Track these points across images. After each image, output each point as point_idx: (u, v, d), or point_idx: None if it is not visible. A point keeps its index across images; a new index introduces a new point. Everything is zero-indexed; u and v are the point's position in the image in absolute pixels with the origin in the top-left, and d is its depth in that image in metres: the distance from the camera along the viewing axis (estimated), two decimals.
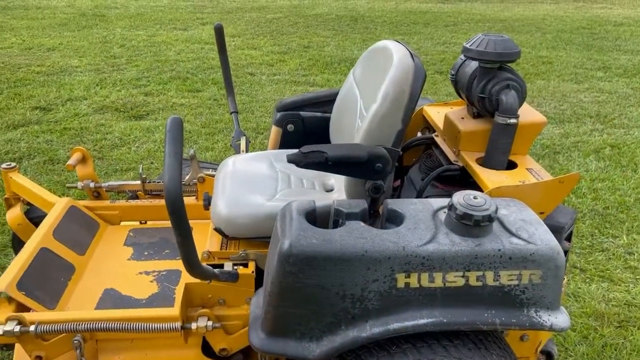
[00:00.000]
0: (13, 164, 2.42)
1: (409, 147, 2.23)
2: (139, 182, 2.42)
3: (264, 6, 11.21)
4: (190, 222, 2.15)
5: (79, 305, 1.88)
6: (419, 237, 1.43)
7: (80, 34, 8.28)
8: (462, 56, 1.96)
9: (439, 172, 1.92)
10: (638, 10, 11.94)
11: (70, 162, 2.32)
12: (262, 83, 6.08)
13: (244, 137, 2.50)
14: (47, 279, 1.90)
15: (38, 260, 1.92)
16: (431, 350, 1.46)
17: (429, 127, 2.30)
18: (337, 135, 2.16)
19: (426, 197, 1.94)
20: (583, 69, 6.97)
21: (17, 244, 2.39)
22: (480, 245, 1.42)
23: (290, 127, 2.32)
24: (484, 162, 1.83)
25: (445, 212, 1.50)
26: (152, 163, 4.11)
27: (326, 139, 2.24)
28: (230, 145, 3.00)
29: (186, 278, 1.73)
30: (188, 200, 2.38)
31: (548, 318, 1.47)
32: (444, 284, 1.42)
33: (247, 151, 2.47)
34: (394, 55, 1.75)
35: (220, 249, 1.85)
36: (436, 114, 2.20)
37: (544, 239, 1.45)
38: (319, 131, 2.28)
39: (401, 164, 2.32)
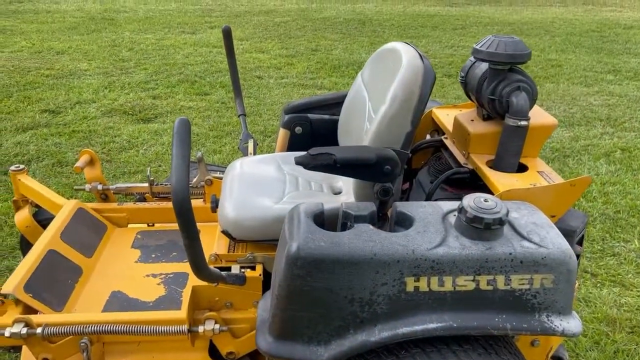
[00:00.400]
0: (22, 166, 2.42)
1: (417, 149, 2.21)
2: (146, 184, 2.42)
3: (272, 10, 11.23)
4: (198, 224, 2.14)
5: (86, 307, 1.87)
6: (429, 241, 1.41)
7: (89, 38, 8.33)
8: (471, 58, 1.95)
9: (448, 175, 1.90)
10: None
11: (78, 164, 2.32)
12: (269, 86, 6.08)
13: (252, 140, 2.49)
14: (55, 281, 1.90)
15: (45, 262, 1.91)
16: (440, 355, 1.44)
17: (438, 129, 2.28)
18: (345, 137, 2.14)
19: (435, 200, 1.92)
20: (593, 72, 6.92)
21: (25, 246, 2.40)
22: (491, 249, 1.40)
23: (298, 129, 2.31)
24: (494, 165, 1.81)
25: (455, 215, 1.48)
26: (159, 166, 4.11)
27: (334, 142, 2.22)
28: (238, 148, 3.00)
29: (193, 281, 1.72)
30: (195, 203, 2.37)
31: (560, 323, 1.45)
32: (454, 288, 1.40)
33: (254, 154, 2.46)
34: (403, 57, 1.74)
35: (228, 252, 1.84)
36: (445, 117, 2.18)
37: (556, 243, 1.43)
38: (327, 134, 2.27)
39: (410, 167, 2.30)
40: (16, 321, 1.64)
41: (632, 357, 2.36)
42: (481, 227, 1.40)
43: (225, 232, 1.81)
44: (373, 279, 1.39)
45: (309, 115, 2.31)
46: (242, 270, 1.73)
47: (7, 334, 1.61)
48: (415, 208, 1.55)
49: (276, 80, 6.32)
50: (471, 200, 1.44)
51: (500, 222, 1.40)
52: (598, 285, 2.83)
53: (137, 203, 2.44)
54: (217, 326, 1.68)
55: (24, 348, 1.75)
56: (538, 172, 1.78)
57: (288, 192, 1.95)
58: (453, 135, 2.05)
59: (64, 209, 2.21)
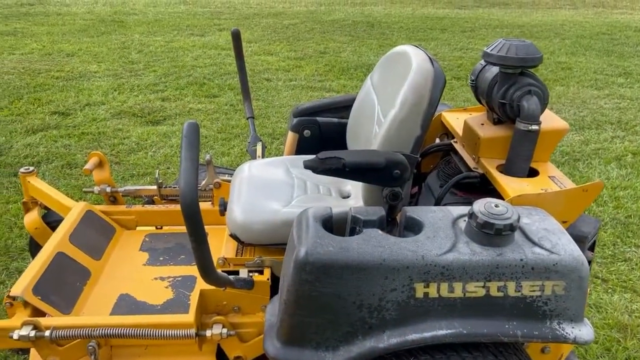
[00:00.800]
0: (31, 168, 2.43)
1: (427, 153, 2.20)
2: (155, 187, 2.42)
3: (281, 12, 11.25)
4: (206, 227, 2.13)
5: (94, 310, 1.88)
6: (439, 246, 1.40)
7: (99, 40, 8.37)
8: (482, 61, 1.93)
9: (458, 179, 1.88)
10: None
11: (87, 166, 2.33)
12: (278, 89, 6.08)
13: (260, 143, 2.49)
14: (63, 284, 1.90)
15: (54, 264, 1.92)
16: None
17: (447, 133, 2.27)
18: (354, 141, 2.13)
19: (445, 204, 1.90)
20: (603, 75, 6.86)
21: (34, 247, 2.40)
22: (502, 255, 1.38)
23: (306, 132, 2.30)
24: (505, 170, 1.79)
25: (465, 220, 1.47)
26: (168, 168, 4.12)
27: (343, 145, 2.21)
28: (246, 150, 2.99)
29: (201, 284, 1.71)
30: (204, 206, 2.36)
31: (572, 330, 1.43)
32: (464, 294, 1.39)
33: (263, 157, 2.45)
34: (413, 61, 1.73)
35: (236, 256, 1.83)
36: (455, 120, 2.17)
37: (568, 249, 1.41)
38: (336, 137, 2.26)
39: (419, 171, 2.28)
40: (25, 324, 1.64)
41: None
42: (492, 233, 1.38)
43: (233, 236, 1.81)
44: (382, 285, 1.37)
45: (318, 118, 2.30)
46: (250, 274, 1.72)
47: (15, 336, 1.61)
48: (424, 213, 1.54)
49: (284, 82, 6.32)
50: (482, 205, 1.43)
51: (511, 227, 1.38)
52: (609, 291, 2.79)
53: (145, 205, 2.44)
54: (224, 330, 1.67)
55: (32, 350, 1.75)
56: (549, 177, 1.76)
57: (296, 195, 1.95)
58: (463, 139, 2.03)
59: (73, 212, 2.22)
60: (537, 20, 10.89)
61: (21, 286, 1.76)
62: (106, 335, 1.63)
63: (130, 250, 2.23)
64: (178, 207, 2.42)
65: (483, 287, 1.38)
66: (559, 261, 1.39)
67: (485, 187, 1.86)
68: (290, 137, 2.34)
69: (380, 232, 1.45)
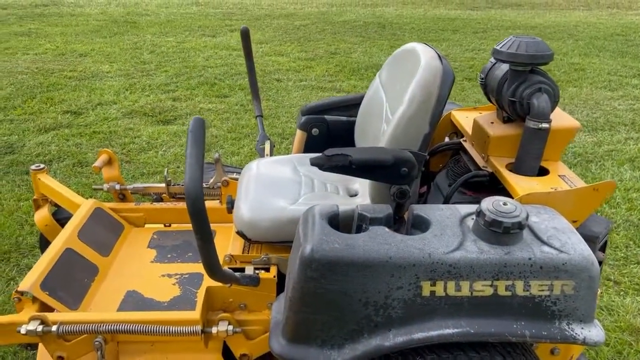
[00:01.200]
0: (42, 166, 2.45)
1: (436, 152, 2.18)
2: (163, 185, 2.42)
3: (292, 13, 11.26)
4: (214, 225, 2.13)
5: (102, 306, 1.88)
6: (446, 244, 1.38)
7: (111, 40, 8.43)
8: (492, 59, 1.91)
9: (467, 178, 1.86)
10: None
11: (97, 163, 2.34)
12: (288, 89, 6.09)
13: (269, 141, 2.48)
14: (71, 280, 1.91)
15: (62, 260, 1.93)
16: None
17: (457, 132, 2.25)
18: (362, 139, 2.12)
19: (454, 203, 1.88)
20: (617, 76, 6.79)
21: (45, 244, 2.42)
22: (510, 254, 1.37)
23: (315, 131, 2.30)
24: (515, 168, 1.77)
25: (473, 218, 1.45)
26: (178, 167, 4.13)
27: (351, 143, 2.20)
28: (255, 149, 2.99)
29: (208, 281, 1.71)
30: (212, 204, 2.37)
31: (581, 331, 1.40)
32: (471, 293, 1.37)
33: (271, 155, 2.45)
34: (422, 58, 1.71)
35: (243, 253, 1.83)
36: (464, 119, 2.15)
37: (577, 248, 1.39)
38: (344, 135, 2.25)
39: (428, 170, 2.27)
40: (32, 319, 1.65)
41: None
42: (500, 231, 1.37)
43: (240, 233, 1.80)
44: (388, 283, 1.36)
45: (326, 116, 2.29)
46: (257, 271, 1.72)
47: (23, 331, 1.62)
48: (432, 211, 1.52)
49: (295, 83, 6.33)
50: (490, 203, 1.41)
51: (520, 226, 1.37)
52: (621, 293, 2.75)
53: (154, 203, 2.44)
54: (230, 327, 1.67)
55: (41, 346, 1.76)
56: (559, 175, 1.74)
57: (303, 193, 1.94)
58: (472, 137, 2.01)
59: (82, 208, 2.23)
60: (551, 21, 10.80)
61: (29, 281, 1.77)
62: (112, 331, 1.64)
63: (138, 247, 2.24)
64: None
65: (491, 286, 1.37)
66: (569, 260, 1.37)
67: (494, 186, 1.84)
68: (299, 135, 2.34)
69: (386, 229, 1.44)
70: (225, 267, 1.48)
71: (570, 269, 1.37)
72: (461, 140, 2.12)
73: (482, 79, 1.95)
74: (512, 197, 1.64)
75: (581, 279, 1.37)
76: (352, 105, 2.25)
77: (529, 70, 1.75)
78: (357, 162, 1.57)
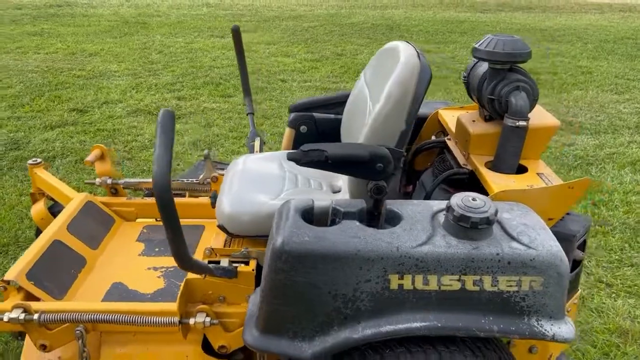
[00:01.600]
0: (39, 160, 2.51)
1: (420, 150, 2.20)
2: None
3: (301, 15, 11.31)
4: (204, 220, 2.14)
5: (87, 297, 1.92)
6: (414, 238, 1.40)
7: (121, 41, 8.54)
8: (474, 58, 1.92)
9: (446, 176, 1.88)
10: None
11: (89, 158, 2.39)
12: (292, 89, 6.12)
13: (259, 138, 2.51)
14: (58, 271, 1.94)
15: (50, 252, 1.97)
16: (425, 355, 1.42)
17: (443, 130, 2.26)
18: (347, 136, 2.14)
19: None
20: (624, 79, 6.73)
21: None
22: (478, 249, 1.38)
23: (303, 128, 2.32)
24: (494, 166, 1.78)
25: (444, 214, 1.47)
26: (178, 164, 4.18)
27: (338, 141, 2.22)
28: (245, 145, 3.03)
29: (189, 274, 1.74)
30: (202, 200, 2.40)
31: (550, 328, 1.41)
32: (439, 287, 1.38)
33: (261, 151, 2.48)
34: (401, 55, 1.73)
35: (224, 247, 1.85)
36: (450, 117, 2.16)
37: (546, 245, 1.39)
38: (331, 132, 2.27)
39: (414, 168, 2.28)
40: (15, 307, 1.68)
41: None
42: (468, 226, 1.38)
43: (221, 227, 1.83)
44: (356, 275, 1.38)
45: (314, 114, 2.31)
46: (235, 265, 1.74)
47: (5, 318, 1.66)
48: (405, 206, 1.54)
49: (299, 83, 6.36)
50: (459, 199, 1.42)
51: (488, 221, 1.38)
52: (613, 295, 2.74)
53: (145, 198, 2.48)
54: (208, 319, 1.69)
55: (27, 336, 1.80)
56: (537, 173, 1.74)
57: (286, 189, 1.96)
58: (455, 136, 2.02)
59: (73, 202, 2.27)
60: (561, 24, 10.73)
61: (15, 271, 1.81)
62: (92, 321, 1.67)
63: (127, 241, 2.27)
64: (177, 200, 2.46)
65: (458, 280, 1.38)
66: (537, 256, 1.37)
67: (475, 184, 1.85)
68: (287, 132, 2.36)
69: (357, 223, 1.46)
70: (198, 259, 1.51)
71: (539, 265, 1.37)
72: (445, 138, 2.13)
73: (465, 77, 1.96)
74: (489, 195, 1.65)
75: (549, 275, 1.38)
76: (338, 103, 2.27)
77: (508, 68, 1.75)
78: (333, 158, 1.59)
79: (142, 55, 7.62)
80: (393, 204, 1.55)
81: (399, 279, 1.38)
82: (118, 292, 1.96)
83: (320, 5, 12.79)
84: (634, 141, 4.77)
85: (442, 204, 1.52)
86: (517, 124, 1.69)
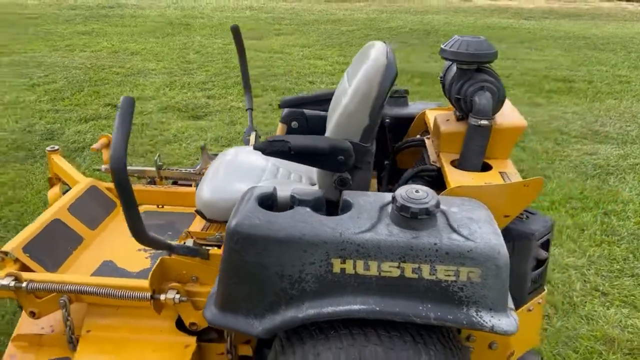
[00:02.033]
0: (56, 147, 2.71)
1: (401, 149, 2.26)
2: (154, 169, 2.61)
3: (340, 19, 11.42)
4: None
5: (77, 272, 2.07)
6: (358, 225, 1.47)
7: (163, 41, 8.87)
8: None
9: (415, 172, 1.93)
10: None
11: (95, 145, 2.57)
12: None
13: (254, 132, 2.63)
14: (54, 246, 2.11)
15: (49, 229, 2.14)
16: (365, 338, 1.49)
17: (428, 130, 2.31)
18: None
19: None
20: None
21: None
22: (417, 238, 1.44)
23: (294, 124, 2.41)
24: (459, 164, 1.82)
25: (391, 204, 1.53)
26: (197, 159, 4.34)
27: None
28: (242, 139, 3.14)
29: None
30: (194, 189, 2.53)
31: (490, 319, 1.45)
32: (379, 273, 1.45)
33: None
34: (372, 53, 1.80)
35: (202, 231, 1.97)
36: (433, 118, 2.21)
37: (485, 238, 1.44)
38: (320, 128, 2.35)
39: (398, 167, 2.33)
40: (7, 275, 1.85)
41: None
42: (408, 216, 1.44)
43: (198, 212, 1.95)
44: (301, 258, 1.46)
45: (305, 110, 2.41)
46: (208, 247, 1.85)
47: None
48: (359, 197, 1.61)
49: (327, 85, 6.46)
50: (404, 190, 1.49)
51: (427, 212, 1.43)
52: (606, 304, 2.70)
53: (146, 185, 2.63)
54: (177, 296, 1.81)
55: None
56: (500, 172, 1.77)
57: (264, 179, 2.06)
58: (432, 134, 2.08)
59: (78, 185, 2.45)
60: (607, 33, 10.42)
61: (13, 243, 1.98)
62: (73, 292, 1.82)
63: (125, 224, 2.42)
64: (177, 188, 2.61)
65: (398, 267, 1.44)
66: (474, 248, 1.42)
67: (444, 181, 1.89)
68: (280, 128, 2.46)
69: (308, 210, 1.54)
70: (154, 234, 1.61)
71: (476, 256, 1.42)
72: (425, 137, 2.18)
73: (442, 77, 2.01)
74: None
75: (487, 267, 1.42)
76: (326, 100, 2.35)
77: (475, 69, 1.80)
78: (295, 149, 1.68)
79: (180, 55, 7.91)
80: (348, 194, 1.62)
81: (341, 263, 1.45)
82: (107, 269, 2.11)
83: (360, 9, 12.88)
84: None
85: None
86: (479, 122, 1.73)
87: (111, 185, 2.60)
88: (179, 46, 8.49)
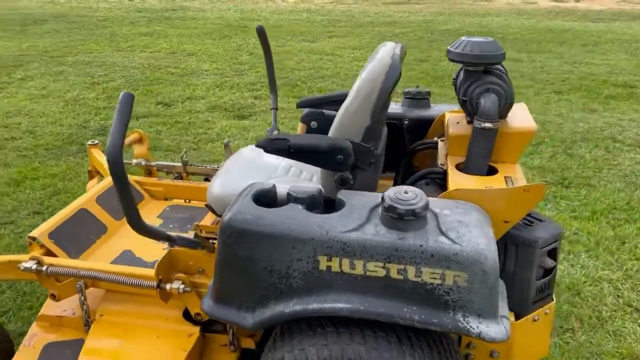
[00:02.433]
0: (96, 141, 2.87)
1: (415, 151, 2.24)
2: (181, 164, 2.71)
3: (396, 21, 11.34)
4: None
5: (98, 259, 2.19)
6: (346, 224, 1.48)
7: (219, 42, 9.13)
8: None
9: (421, 175, 1.92)
10: None
11: (125, 141, 2.68)
12: None
13: (277, 132, 2.67)
14: (79, 234, 2.24)
15: (75, 218, 2.27)
16: (350, 336, 1.49)
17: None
18: None
19: None
20: None
21: None
22: (403, 239, 1.43)
23: (313, 124, 2.44)
24: (464, 167, 1.80)
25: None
26: None
27: None
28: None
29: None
30: None
31: (477, 325, 1.42)
32: (365, 272, 1.45)
33: None
34: (379, 53, 1.81)
35: (211, 225, 2.03)
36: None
37: (472, 242, 1.41)
38: None
39: (416, 169, 2.31)
40: (31, 258, 1.98)
41: None
42: (395, 217, 1.44)
43: (208, 206, 2.01)
44: (289, 254, 1.49)
45: (324, 111, 2.43)
46: (214, 241, 1.91)
47: (21, 267, 1.96)
48: (353, 196, 1.62)
49: None
50: (393, 191, 1.48)
51: (414, 213, 1.43)
52: (638, 320, 2.56)
53: (174, 180, 2.74)
54: (182, 286, 1.87)
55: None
56: (505, 177, 1.73)
57: (276, 176, 2.10)
58: (445, 136, 2.05)
59: (108, 178, 2.58)
60: None
61: (41, 230, 2.12)
62: (86, 277, 1.92)
63: (149, 216, 2.53)
64: (201, 184, 2.70)
65: (383, 267, 1.44)
66: (460, 252, 1.40)
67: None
68: (300, 127, 2.50)
69: (300, 207, 1.56)
70: (150, 224, 1.66)
71: (462, 260, 1.40)
72: (440, 140, 2.16)
73: (454, 79, 1.98)
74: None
75: (474, 272, 1.40)
76: (343, 100, 2.36)
77: (483, 70, 1.76)
78: (295, 147, 1.71)
79: (234, 56, 8.11)
80: (344, 194, 1.64)
81: (327, 260, 1.47)
82: (126, 258, 2.21)
83: (418, 12, 12.73)
84: None
85: None
86: (483, 125, 1.70)
87: (140, 179, 2.73)
88: (234, 48, 8.70)
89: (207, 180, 2.81)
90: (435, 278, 1.42)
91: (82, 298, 1.98)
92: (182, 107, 5.75)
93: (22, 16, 11.74)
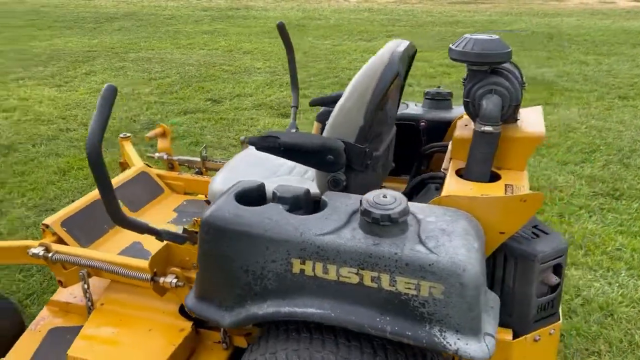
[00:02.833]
0: (128, 134, 2.96)
1: (426, 153, 2.14)
2: (200, 159, 2.74)
3: (459, 21, 11.03)
4: None
5: (107, 249, 2.24)
6: (321, 227, 1.43)
7: (275, 41, 9.19)
8: None
9: (423, 178, 1.83)
10: None
11: (149, 134, 2.75)
12: (414, 93, 6.08)
13: (295, 130, 2.64)
14: (91, 224, 2.30)
15: (90, 208, 2.33)
16: (322, 344, 1.44)
17: None
18: None
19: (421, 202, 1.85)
20: None
21: None
22: (378, 245, 1.36)
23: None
24: (465, 172, 1.69)
25: None
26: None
27: None
28: None
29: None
30: None
31: (455, 342, 1.33)
32: (338, 278, 1.39)
33: None
34: (380, 50, 1.74)
35: None
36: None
37: (450, 252, 1.32)
38: None
39: (422, 172, 2.21)
40: (40, 245, 2.05)
41: None
42: (370, 221, 1.37)
43: (208, 202, 2.00)
44: (264, 255, 1.45)
45: None
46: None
47: (30, 253, 2.03)
48: (337, 198, 1.56)
49: (423, 88, 6.27)
50: (373, 194, 1.41)
51: (390, 219, 1.35)
52: None
53: (194, 175, 2.77)
54: (174, 280, 1.88)
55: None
56: (506, 184, 1.61)
57: (278, 175, 2.07)
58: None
59: (130, 170, 2.64)
60: None
61: (54, 218, 2.19)
62: (86, 265, 1.97)
63: (165, 209, 2.57)
64: (199, 178, 2.71)
65: (357, 274, 1.37)
66: (435, 262, 1.31)
67: None
68: (315, 126, 2.46)
69: (280, 207, 1.52)
70: (131, 216, 1.66)
71: (438, 271, 1.31)
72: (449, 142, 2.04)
73: (464, 80, 1.87)
74: None
75: (450, 284, 1.31)
76: None
77: (489, 70, 1.65)
78: (285, 145, 1.67)
79: None
80: (329, 195, 1.58)
81: (300, 263, 1.42)
82: (133, 249, 2.25)
83: (483, 11, 12.33)
84: None
85: None
86: (483, 128, 1.58)
87: (162, 172, 2.77)
88: None
89: (198, 173, 2.81)
90: (410, 288, 1.34)
91: (85, 286, 2.03)
92: (230, 104, 5.84)
93: (97, 14, 12.37)
